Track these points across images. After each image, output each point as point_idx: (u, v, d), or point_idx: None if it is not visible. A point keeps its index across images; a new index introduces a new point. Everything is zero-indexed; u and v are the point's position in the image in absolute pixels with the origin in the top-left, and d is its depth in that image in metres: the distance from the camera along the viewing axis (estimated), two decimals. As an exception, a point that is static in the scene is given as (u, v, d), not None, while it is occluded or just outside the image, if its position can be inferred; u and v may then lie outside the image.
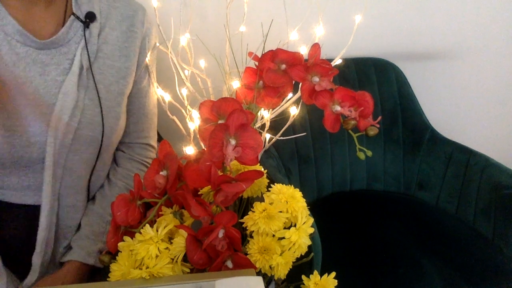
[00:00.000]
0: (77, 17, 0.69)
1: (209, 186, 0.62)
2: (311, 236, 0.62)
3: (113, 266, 0.56)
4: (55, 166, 0.67)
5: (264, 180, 0.68)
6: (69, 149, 0.68)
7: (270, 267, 0.58)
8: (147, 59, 0.78)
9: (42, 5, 0.67)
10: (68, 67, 0.68)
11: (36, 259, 0.68)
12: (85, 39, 0.69)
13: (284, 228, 0.60)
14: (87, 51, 0.69)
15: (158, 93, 0.77)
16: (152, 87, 0.84)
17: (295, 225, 0.60)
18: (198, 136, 0.64)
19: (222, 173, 0.56)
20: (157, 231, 0.57)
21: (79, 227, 0.75)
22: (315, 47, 0.60)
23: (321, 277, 0.60)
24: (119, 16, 0.75)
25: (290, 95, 0.71)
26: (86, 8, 0.70)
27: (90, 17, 0.70)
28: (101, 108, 0.70)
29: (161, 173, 0.58)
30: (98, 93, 0.69)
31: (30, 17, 0.66)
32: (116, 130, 0.74)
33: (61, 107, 0.66)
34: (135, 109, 0.81)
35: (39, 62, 0.66)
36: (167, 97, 0.75)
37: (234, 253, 0.56)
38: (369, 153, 0.56)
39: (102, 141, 0.71)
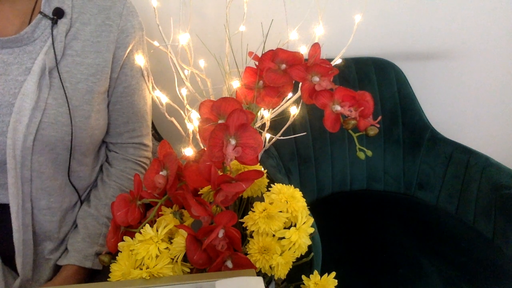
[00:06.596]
0: (44, 15, 0.67)
1: (209, 186, 0.62)
2: (311, 236, 0.62)
3: (113, 266, 0.56)
4: (22, 168, 0.65)
5: (264, 180, 0.68)
6: (33, 150, 0.65)
7: (270, 267, 0.58)
8: (138, 58, 0.76)
9: (6, 3, 0.66)
10: (30, 67, 0.66)
11: (17, 260, 0.68)
12: (52, 37, 0.67)
13: (284, 228, 0.60)
14: (54, 50, 0.66)
15: (155, 94, 0.76)
16: (142, 84, 0.80)
17: (295, 225, 0.60)
18: (197, 136, 0.64)
19: (222, 173, 0.56)
20: (157, 231, 0.57)
21: (76, 228, 0.75)
22: (315, 47, 0.60)
23: (321, 277, 0.60)
24: (95, 9, 0.72)
25: (290, 95, 0.71)
26: (56, 4, 0.68)
27: (58, 13, 0.68)
28: (69, 107, 0.67)
29: (161, 173, 0.58)
30: (65, 92, 0.67)
31: None
32: (86, 129, 0.71)
33: (20, 108, 0.63)
34: (123, 109, 0.78)
35: (0, 62, 0.65)
36: (165, 99, 0.75)
37: (234, 253, 0.56)
38: (369, 153, 0.56)
39: (70, 140, 0.69)
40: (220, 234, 0.54)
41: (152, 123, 0.96)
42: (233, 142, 0.52)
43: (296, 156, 1.19)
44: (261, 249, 0.58)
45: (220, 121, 0.54)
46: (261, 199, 0.62)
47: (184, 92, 0.76)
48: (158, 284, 0.53)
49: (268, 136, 0.77)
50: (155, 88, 0.78)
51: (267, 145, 0.78)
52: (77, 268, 0.70)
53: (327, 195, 1.25)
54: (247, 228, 0.59)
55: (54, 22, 0.67)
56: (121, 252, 0.57)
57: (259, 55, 0.62)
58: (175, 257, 0.56)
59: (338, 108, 0.54)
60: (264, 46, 0.72)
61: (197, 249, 0.55)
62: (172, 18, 0.81)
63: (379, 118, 0.58)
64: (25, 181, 0.67)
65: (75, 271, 0.70)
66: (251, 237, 0.60)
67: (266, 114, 0.73)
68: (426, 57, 1.37)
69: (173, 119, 0.76)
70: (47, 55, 0.66)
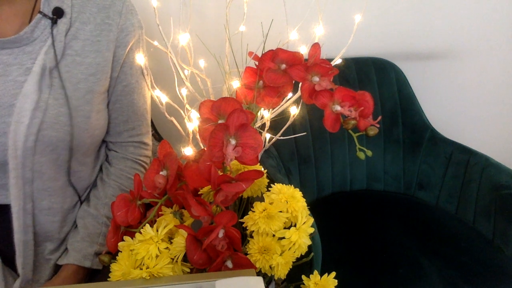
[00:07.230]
0: (44, 14, 0.66)
1: (209, 186, 0.62)
2: (311, 236, 0.62)
3: (114, 266, 0.56)
4: (24, 168, 0.65)
5: (264, 180, 0.68)
6: (34, 151, 0.65)
7: (270, 267, 0.58)
8: (138, 57, 0.75)
9: (5, 4, 0.65)
10: (30, 67, 0.65)
11: (18, 261, 0.68)
12: (52, 37, 0.66)
13: (284, 228, 0.60)
14: (54, 49, 0.66)
15: (155, 94, 0.75)
16: (142, 83, 0.80)
17: (295, 225, 0.60)
18: (197, 136, 0.64)
19: (222, 173, 0.56)
20: (157, 231, 0.57)
21: (75, 227, 0.75)
22: (315, 47, 0.60)
23: (321, 277, 0.60)
24: (95, 8, 0.71)
25: (290, 95, 0.71)
26: (56, 3, 0.68)
27: (57, 13, 0.67)
28: (69, 107, 0.67)
29: (161, 173, 0.58)
30: (65, 92, 0.67)
31: None
32: (87, 129, 0.71)
33: (20, 109, 0.63)
34: (123, 108, 0.78)
35: (0, 63, 0.65)
36: (165, 99, 0.74)
37: (234, 253, 0.56)
38: (369, 153, 0.56)
39: (71, 141, 0.69)
40: (220, 234, 0.54)
41: (152, 123, 0.96)
42: (233, 142, 0.52)
43: (296, 156, 1.19)
44: (261, 249, 0.58)
45: (220, 121, 0.54)
46: (261, 199, 0.62)
47: (184, 92, 0.76)
48: (158, 284, 0.53)
49: (268, 136, 0.77)
50: (154, 87, 0.78)
51: (267, 145, 0.78)
52: (76, 267, 0.70)
53: (327, 195, 1.25)
54: (247, 228, 0.59)
55: (54, 22, 0.67)
56: (121, 252, 0.57)
57: (259, 55, 0.62)
58: (175, 257, 0.56)
59: (338, 108, 0.54)
60: (264, 46, 0.72)
61: (197, 249, 0.55)
62: (172, 18, 0.81)
63: (379, 118, 0.58)
64: (26, 182, 0.67)
65: (75, 270, 0.70)
66: (251, 237, 0.60)
67: (266, 114, 0.73)
68: (426, 57, 1.37)
69: (173, 119, 0.76)
70: (47, 55, 0.66)
